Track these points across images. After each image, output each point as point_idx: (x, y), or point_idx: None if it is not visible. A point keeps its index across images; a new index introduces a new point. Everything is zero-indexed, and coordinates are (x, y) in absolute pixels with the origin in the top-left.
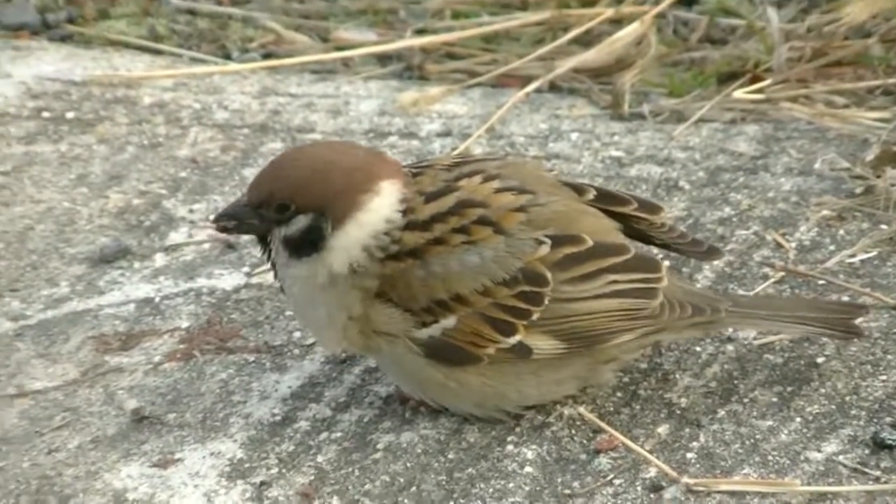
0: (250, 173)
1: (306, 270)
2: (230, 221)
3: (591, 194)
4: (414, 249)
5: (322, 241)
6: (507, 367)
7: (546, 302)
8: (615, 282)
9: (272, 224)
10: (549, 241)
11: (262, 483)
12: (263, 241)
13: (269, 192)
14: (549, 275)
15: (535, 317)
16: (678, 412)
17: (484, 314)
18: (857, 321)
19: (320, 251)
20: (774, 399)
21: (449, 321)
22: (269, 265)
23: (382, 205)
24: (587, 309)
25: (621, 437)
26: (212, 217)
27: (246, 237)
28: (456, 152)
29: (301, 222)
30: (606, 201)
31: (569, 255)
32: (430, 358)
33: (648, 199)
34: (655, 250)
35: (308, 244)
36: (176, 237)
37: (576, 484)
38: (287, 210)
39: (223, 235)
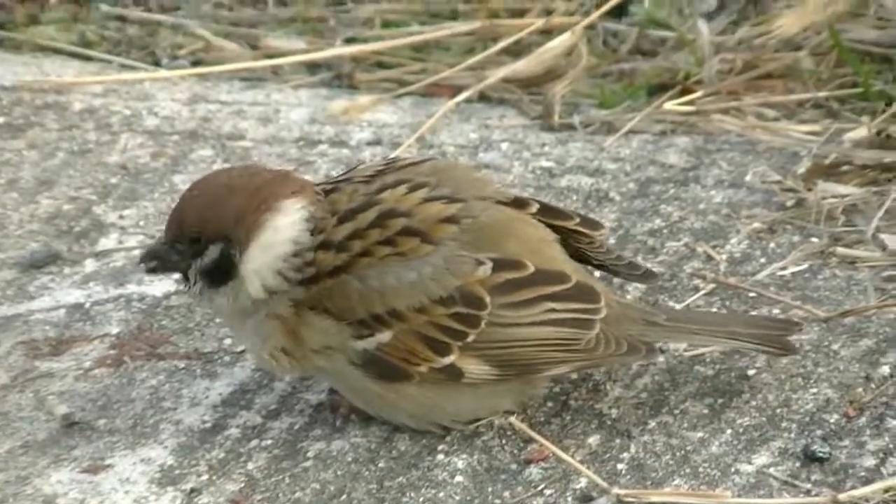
0: (180, 180)
1: (227, 300)
2: (152, 262)
3: (534, 208)
4: (334, 269)
5: (234, 268)
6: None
7: (482, 325)
8: (553, 310)
9: (190, 259)
10: (490, 262)
11: (192, 490)
12: (185, 277)
13: (179, 226)
14: (487, 298)
15: (470, 339)
16: (609, 423)
17: (419, 332)
18: (791, 338)
19: (235, 278)
20: (705, 411)
21: (384, 336)
22: (195, 299)
23: (285, 224)
24: (523, 335)
25: (552, 448)
26: (138, 261)
27: None
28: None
29: (213, 253)
30: (549, 215)
31: (509, 281)
32: (365, 370)
33: (588, 217)
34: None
35: (222, 273)
36: (106, 243)
37: (506, 494)
38: (199, 242)
39: (153, 242)
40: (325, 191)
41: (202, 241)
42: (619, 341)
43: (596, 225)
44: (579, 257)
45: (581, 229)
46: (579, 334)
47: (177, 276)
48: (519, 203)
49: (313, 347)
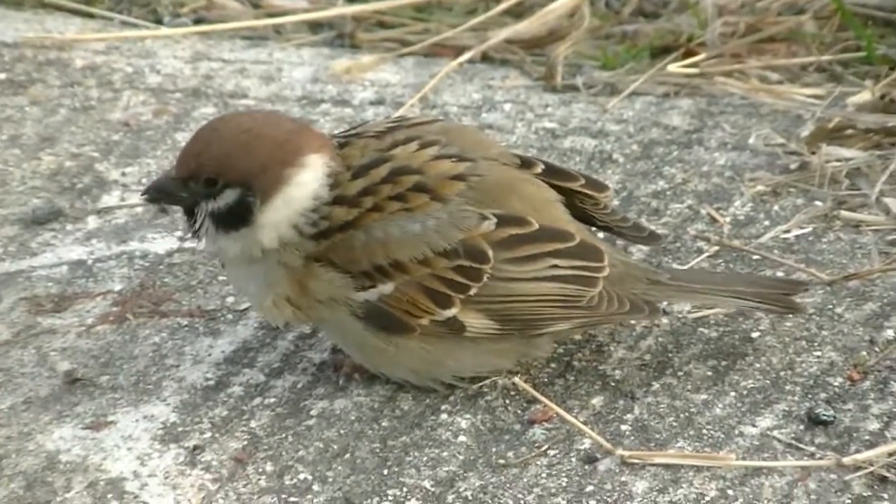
0: (182, 138)
1: (236, 245)
2: (158, 194)
3: (539, 168)
4: (345, 223)
5: (250, 216)
6: (447, 334)
7: (485, 279)
8: (556, 266)
9: (200, 198)
10: (494, 218)
11: (195, 447)
12: (190, 214)
13: (197, 165)
14: (490, 252)
15: (472, 291)
16: (613, 384)
17: (421, 284)
18: (796, 297)
19: (249, 226)
20: (709, 373)
21: (387, 287)
22: (195, 238)
23: (309, 179)
24: (526, 290)
25: (556, 408)
26: (141, 191)
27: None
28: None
29: (229, 197)
30: (553, 176)
31: (513, 236)
32: (366, 322)
33: (593, 178)
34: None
35: (236, 219)
36: (108, 200)
37: (510, 454)
38: (215, 184)
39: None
40: (340, 143)
41: (219, 183)
42: (622, 300)
43: (601, 186)
44: (584, 218)
45: (586, 191)
46: (582, 291)
47: (177, 208)
48: (524, 163)
49: (319, 298)
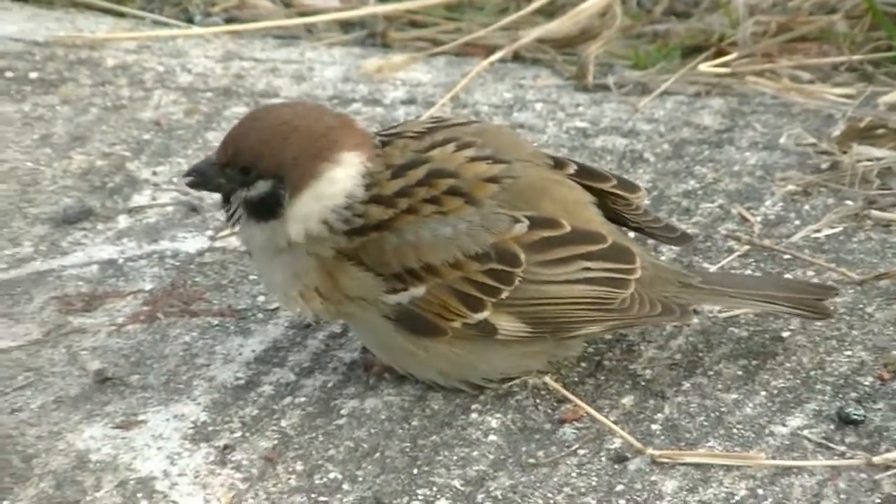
0: (214, 137)
1: (264, 235)
2: (198, 177)
3: (572, 169)
4: (380, 223)
5: (280, 208)
6: (478, 336)
7: (516, 282)
8: (588, 269)
9: (236, 185)
10: (526, 221)
11: (225, 446)
12: (227, 201)
13: (234, 153)
14: (522, 255)
15: (504, 295)
16: (643, 383)
17: (453, 287)
18: (826, 302)
19: (278, 218)
20: (739, 372)
21: (418, 290)
22: (230, 225)
23: (342, 177)
24: (557, 293)
25: (586, 408)
26: (183, 174)
27: (210, 200)
28: (422, 119)
29: (262, 187)
30: (586, 177)
31: (545, 239)
32: (397, 325)
33: (626, 179)
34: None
35: (267, 210)
36: (139, 199)
37: (540, 453)
38: (249, 173)
39: (187, 198)
40: (382, 142)
41: (253, 173)
42: (654, 302)
43: (633, 187)
44: (616, 219)
45: (618, 191)
46: (613, 294)
47: (217, 196)
48: (557, 164)
49: (349, 294)
